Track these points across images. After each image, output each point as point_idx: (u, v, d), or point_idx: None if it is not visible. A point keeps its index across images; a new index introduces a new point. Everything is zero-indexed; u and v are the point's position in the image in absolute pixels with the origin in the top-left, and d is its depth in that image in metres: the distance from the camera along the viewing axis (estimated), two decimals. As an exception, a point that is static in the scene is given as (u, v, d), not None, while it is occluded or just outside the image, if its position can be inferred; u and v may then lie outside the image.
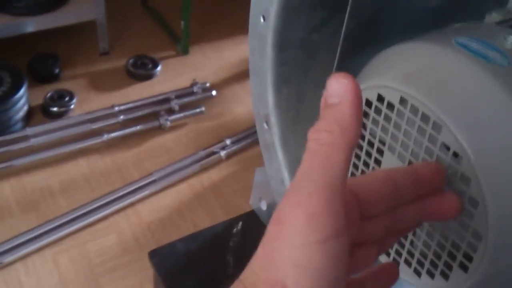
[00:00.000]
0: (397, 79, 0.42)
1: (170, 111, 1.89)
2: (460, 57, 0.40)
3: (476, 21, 0.52)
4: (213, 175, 1.72)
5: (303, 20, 0.60)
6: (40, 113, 1.82)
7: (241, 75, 2.12)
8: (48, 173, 1.65)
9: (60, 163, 1.68)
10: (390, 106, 0.43)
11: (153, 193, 1.62)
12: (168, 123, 1.84)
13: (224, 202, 1.62)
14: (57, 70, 1.96)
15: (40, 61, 1.94)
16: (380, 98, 0.44)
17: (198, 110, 1.89)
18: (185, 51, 2.18)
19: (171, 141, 1.82)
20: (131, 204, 1.58)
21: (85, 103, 1.90)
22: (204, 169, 1.72)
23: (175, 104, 1.89)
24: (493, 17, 0.51)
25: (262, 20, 0.60)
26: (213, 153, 1.75)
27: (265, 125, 0.65)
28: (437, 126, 0.39)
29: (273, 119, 0.64)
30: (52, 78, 1.95)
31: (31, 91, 1.81)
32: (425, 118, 0.40)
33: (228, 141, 1.79)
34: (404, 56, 0.45)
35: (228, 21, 2.38)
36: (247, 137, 1.82)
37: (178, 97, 1.92)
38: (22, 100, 1.71)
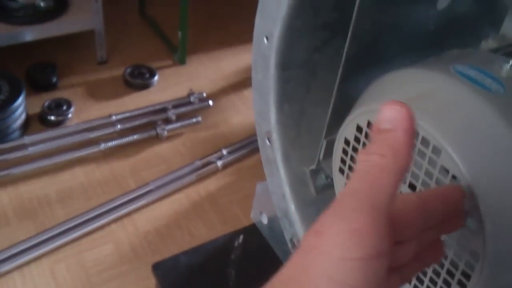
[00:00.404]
0: (397, 103, 0.44)
1: (167, 121, 1.90)
2: (458, 84, 0.42)
3: (473, 49, 0.54)
4: (210, 185, 1.73)
5: (306, 41, 0.62)
6: (37, 121, 1.83)
7: (238, 85, 2.14)
8: (45, 181, 1.66)
9: (57, 172, 1.69)
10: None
11: (150, 202, 1.63)
12: (165, 133, 1.85)
13: (220, 212, 1.64)
14: (55, 79, 1.97)
15: (38, 70, 1.95)
16: (382, 121, 0.45)
17: (194, 120, 1.91)
18: (182, 61, 2.20)
19: (168, 151, 1.84)
20: (128, 214, 1.59)
21: (83, 112, 1.91)
22: (200, 179, 1.73)
23: (172, 114, 1.90)
24: (489, 43, 0.54)
25: (265, 40, 0.62)
26: (210, 163, 1.77)
27: (267, 141, 0.67)
28: (436, 150, 0.41)
29: (275, 136, 0.66)
30: (50, 86, 1.96)
31: (29, 99, 1.82)
32: (425, 142, 0.42)
33: (224, 151, 1.80)
34: (405, 81, 0.46)
35: (224, 32, 2.40)
36: (243, 147, 1.83)
37: (175, 106, 1.94)
38: (20, 109, 1.72)
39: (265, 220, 0.68)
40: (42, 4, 1.90)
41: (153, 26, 2.37)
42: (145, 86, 2.06)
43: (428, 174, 0.42)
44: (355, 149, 0.48)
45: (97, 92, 2.01)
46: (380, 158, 0.28)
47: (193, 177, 1.71)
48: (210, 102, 1.99)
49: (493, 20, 0.70)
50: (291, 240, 0.65)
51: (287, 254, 0.70)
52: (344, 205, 0.27)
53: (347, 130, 0.48)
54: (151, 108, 1.92)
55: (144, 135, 1.84)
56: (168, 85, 2.09)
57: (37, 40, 1.91)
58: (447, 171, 0.40)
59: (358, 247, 0.25)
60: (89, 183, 1.68)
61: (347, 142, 0.49)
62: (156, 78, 2.09)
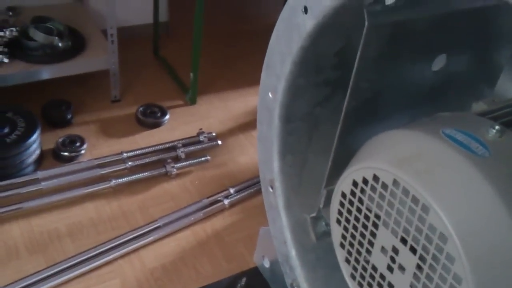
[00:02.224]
0: (391, 162, 0.48)
1: (177, 159, 1.95)
2: (446, 148, 0.46)
3: (463, 112, 0.58)
4: (217, 223, 1.76)
5: (308, 96, 0.67)
6: (51, 157, 1.89)
7: (246, 125, 2.20)
8: (57, 216, 1.69)
9: (69, 207, 1.73)
10: (385, 186, 0.48)
11: (157, 239, 1.66)
12: (174, 171, 1.89)
13: (226, 250, 1.66)
14: (69, 116, 2.03)
15: (54, 107, 2.02)
16: (376, 178, 0.49)
17: (203, 158, 1.95)
18: (193, 101, 2.26)
19: (177, 188, 1.88)
20: (136, 250, 1.62)
21: (95, 149, 1.96)
22: (207, 217, 1.76)
23: (181, 152, 1.95)
24: (480, 106, 0.58)
25: (270, 95, 0.66)
26: (217, 201, 1.80)
27: (270, 188, 0.71)
28: (425, 208, 0.45)
29: (277, 184, 0.69)
30: (64, 123, 2.02)
31: (44, 135, 1.88)
32: (415, 200, 0.45)
33: (231, 190, 1.84)
34: (398, 142, 0.50)
35: (234, 73, 2.47)
36: (250, 186, 1.87)
37: (184, 145, 1.99)
38: (35, 145, 1.77)
39: (267, 264, 0.71)
40: (60, 44, 1.97)
41: (166, 67, 2.45)
42: (156, 124, 2.12)
43: (418, 230, 0.45)
44: (351, 202, 0.52)
45: (110, 130, 2.07)
46: None
47: (200, 214, 1.75)
48: (219, 142, 2.04)
49: (488, 78, 0.75)
50: (292, 285, 0.68)
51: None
52: None
53: (344, 184, 0.52)
54: (161, 146, 1.97)
55: (154, 172, 1.88)
56: (178, 124, 2.15)
57: (54, 78, 1.98)
58: (435, 228, 0.44)
59: None
60: (99, 218, 1.72)
61: (343, 195, 0.53)
62: (167, 117, 2.15)
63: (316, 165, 0.70)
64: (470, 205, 0.43)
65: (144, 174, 1.87)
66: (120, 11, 2.30)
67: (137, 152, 1.94)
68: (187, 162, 1.94)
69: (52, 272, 1.50)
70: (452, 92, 0.70)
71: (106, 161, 1.87)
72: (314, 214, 0.69)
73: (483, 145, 0.46)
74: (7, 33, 1.93)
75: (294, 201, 0.69)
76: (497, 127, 0.48)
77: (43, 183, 1.73)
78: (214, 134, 2.07)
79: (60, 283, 1.49)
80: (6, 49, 1.91)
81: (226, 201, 1.80)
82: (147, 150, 1.95)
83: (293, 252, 0.69)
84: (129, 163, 1.88)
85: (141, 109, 2.14)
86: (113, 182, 1.80)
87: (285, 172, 0.69)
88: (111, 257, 1.58)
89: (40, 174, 1.75)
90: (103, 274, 1.55)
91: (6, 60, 1.89)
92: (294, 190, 0.69)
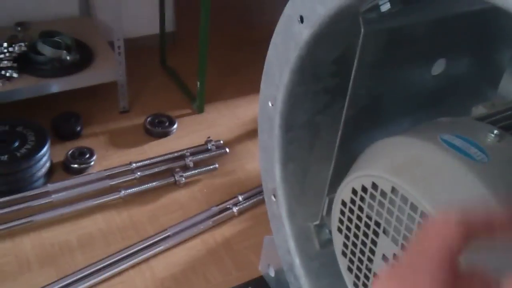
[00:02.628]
0: (389, 170, 0.48)
1: (185, 168, 1.95)
2: (444, 154, 0.45)
3: (462, 116, 0.58)
4: (226, 230, 1.76)
5: (308, 104, 0.67)
6: (61, 169, 1.90)
7: (254, 132, 2.19)
8: (67, 228, 1.71)
9: (79, 218, 1.74)
10: (383, 193, 0.48)
11: (167, 248, 1.66)
12: (183, 180, 1.90)
13: (235, 258, 1.66)
14: (78, 128, 2.05)
15: (63, 120, 2.04)
16: (375, 186, 0.49)
17: (212, 166, 1.96)
18: (200, 110, 2.27)
19: (186, 197, 1.88)
20: (146, 260, 1.63)
21: (104, 160, 1.97)
22: (217, 225, 1.77)
23: (189, 161, 1.96)
24: (479, 110, 0.57)
25: (270, 105, 0.66)
26: (226, 209, 1.80)
27: (272, 197, 0.71)
28: (424, 215, 0.44)
29: (280, 193, 0.70)
30: (74, 135, 2.04)
31: (54, 148, 1.90)
32: (413, 207, 0.45)
33: (240, 197, 1.84)
34: (396, 149, 0.50)
35: (240, 81, 2.48)
36: (259, 193, 1.87)
37: (192, 154, 2.00)
38: (45, 158, 1.79)
39: (272, 273, 0.71)
40: (68, 57, 2.00)
41: (173, 77, 2.46)
42: (164, 134, 2.13)
43: (409, 235, 0.45)
44: (351, 211, 0.52)
45: (118, 140, 2.08)
46: None
47: (209, 223, 1.75)
48: (227, 149, 2.05)
49: (490, 80, 0.74)
50: (296, 294, 0.68)
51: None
52: None
53: (343, 192, 0.52)
54: (170, 156, 1.98)
55: (163, 182, 1.89)
56: (186, 133, 2.16)
57: (62, 91, 2.00)
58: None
59: None
60: (108, 229, 1.73)
61: (343, 203, 0.53)
62: (175, 126, 2.16)
63: (319, 172, 0.70)
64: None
65: (153, 183, 1.88)
66: (127, 22, 2.32)
67: (146, 162, 1.95)
68: (196, 171, 1.95)
69: (63, 284, 1.51)
70: (455, 95, 0.70)
71: (115, 172, 1.88)
72: (317, 222, 0.69)
73: (482, 150, 0.45)
74: (16, 48, 1.96)
75: (297, 210, 0.69)
76: (495, 131, 0.47)
77: (53, 196, 1.74)
78: (222, 142, 2.08)
79: (72, 294, 1.50)
80: (15, 64, 1.93)
81: (235, 209, 1.80)
82: (155, 159, 1.96)
83: (297, 261, 0.69)
84: (138, 173, 1.89)
85: (149, 119, 2.15)
86: (123, 193, 1.81)
87: (287, 180, 0.69)
88: (121, 267, 1.59)
89: (50, 187, 1.77)
90: (114, 284, 1.56)
91: (15, 75, 1.91)
92: (297, 198, 0.69)
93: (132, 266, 1.61)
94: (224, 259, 1.67)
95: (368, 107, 0.62)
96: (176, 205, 1.85)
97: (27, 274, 1.55)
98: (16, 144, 1.75)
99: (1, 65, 1.90)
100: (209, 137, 2.07)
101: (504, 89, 0.71)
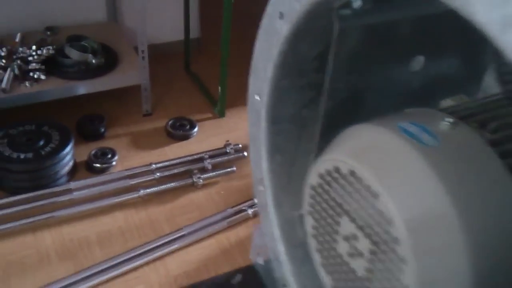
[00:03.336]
0: (349, 154, 0.51)
1: (204, 170, 2.00)
2: (396, 138, 0.48)
3: (427, 108, 0.60)
4: (240, 231, 1.79)
5: (294, 98, 0.70)
6: (84, 168, 1.97)
7: (273, 137, 2.23)
8: (87, 224, 1.77)
9: (99, 216, 1.80)
10: (344, 176, 0.51)
11: (182, 247, 1.70)
12: (201, 181, 1.94)
13: (248, 259, 1.69)
14: (102, 130, 2.12)
15: (88, 121, 2.12)
16: (337, 169, 0.52)
17: (229, 169, 2.00)
18: (221, 114, 2.32)
19: (203, 198, 1.92)
20: (161, 257, 1.67)
21: (126, 160, 2.04)
22: (231, 226, 1.80)
23: (208, 163, 2.00)
24: (447, 102, 0.60)
25: (257, 98, 0.70)
26: (241, 210, 1.84)
27: (260, 187, 0.74)
28: (376, 195, 0.47)
29: (267, 182, 0.73)
30: (97, 136, 2.11)
31: (78, 148, 1.97)
32: (367, 188, 0.48)
33: (256, 200, 1.87)
34: (359, 134, 0.53)
35: (263, 86, 2.52)
36: (274, 196, 1.90)
37: (211, 156, 2.04)
38: (68, 156, 1.86)
39: (261, 261, 0.74)
40: (94, 61, 2.07)
41: (197, 82, 2.52)
42: (185, 137, 2.18)
43: (371, 216, 0.48)
44: (318, 193, 0.55)
45: (140, 142, 2.15)
46: None
47: (224, 223, 1.78)
48: (245, 153, 2.08)
49: (473, 78, 0.76)
50: (281, 280, 0.71)
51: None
52: None
53: (311, 177, 0.55)
54: (189, 158, 2.03)
55: (181, 183, 1.94)
56: (206, 136, 2.21)
57: (87, 93, 2.08)
58: (384, 213, 0.46)
59: None
60: (127, 227, 1.78)
61: (312, 187, 0.56)
62: (196, 129, 2.21)
63: (305, 163, 0.73)
64: (415, 191, 0.45)
65: (172, 184, 1.93)
66: (153, 29, 2.41)
67: (166, 163, 2.00)
68: (214, 173, 1.99)
69: (81, 277, 1.57)
70: (439, 92, 0.72)
71: (135, 172, 1.94)
72: (302, 211, 0.72)
73: (433, 136, 0.48)
74: (44, 51, 2.05)
75: (283, 199, 0.72)
76: (450, 119, 0.50)
77: (75, 193, 1.81)
78: (240, 145, 2.12)
79: (88, 287, 1.55)
80: (43, 67, 2.02)
81: (250, 211, 1.83)
82: (175, 161, 2.01)
83: (282, 248, 0.71)
84: (158, 173, 1.94)
85: (170, 122, 2.21)
86: (142, 192, 1.87)
87: (274, 171, 0.72)
88: (137, 263, 1.63)
89: (72, 184, 1.83)
90: (129, 279, 1.60)
91: (43, 77, 2.00)
92: (284, 188, 0.72)
93: (147, 263, 1.65)
94: (237, 260, 1.69)
95: (347, 100, 0.64)
96: (193, 206, 1.89)
97: (46, 267, 1.61)
98: (41, 143, 1.83)
99: (30, 67, 1.99)
100: (228, 141, 2.11)
101: (487, 86, 0.73)
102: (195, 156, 2.04)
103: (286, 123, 0.72)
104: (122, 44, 2.30)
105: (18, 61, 2.00)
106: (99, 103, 2.27)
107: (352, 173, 0.49)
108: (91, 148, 2.03)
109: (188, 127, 2.22)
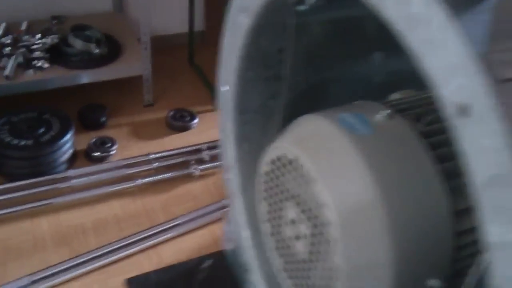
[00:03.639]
0: (294, 142, 0.53)
1: (201, 161, 2.02)
2: (332, 128, 0.50)
3: (372, 101, 0.62)
4: (234, 223, 1.82)
5: (260, 89, 0.72)
6: (83, 157, 2.01)
7: (273, 130, 2.24)
8: (84, 212, 1.80)
9: (95, 204, 1.84)
10: (288, 163, 0.53)
11: (175, 236, 1.73)
12: (198, 172, 1.97)
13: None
14: (104, 119, 2.15)
15: (90, 110, 2.15)
16: (284, 156, 0.54)
17: (227, 161, 2.02)
18: (222, 106, 2.34)
19: (199, 189, 1.95)
20: (155, 245, 1.70)
21: (125, 150, 2.07)
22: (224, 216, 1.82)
23: (206, 155, 2.03)
24: (395, 96, 0.61)
25: (226, 88, 0.72)
26: (236, 202, 1.86)
27: (229, 175, 0.76)
28: (312, 181, 0.49)
29: (234, 170, 0.75)
30: (98, 126, 2.14)
31: (78, 136, 2.01)
32: (306, 174, 0.50)
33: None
34: (304, 124, 0.55)
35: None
36: (270, 189, 1.91)
37: (209, 148, 2.06)
38: (68, 144, 1.90)
39: (230, 247, 0.76)
40: (97, 50, 2.10)
41: (200, 74, 2.54)
42: (184, 128, 2.21)
43: (309, 200, 0.50)
44: (269, 179, 0.57)
45: (140, 132, 2.18)
46: None
47: (218, 214, 1.81)
48: (243, 145, 2.10)
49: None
50: (244, 264, 0.73)
51: (245, 282, 0.78)
52: None
53: (264, 164, 0.57)
54: (187, 149, 2.05)
55: (178, 173, 1.97)
56: (206, 128, 2.23)
57: (90, 83, 2.11)
58: (318, 197, 0.48)
59: None
60: (123, 215, 1.81)
61: (266, 173, 0.58)
62: (196, 121, 2.24)
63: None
64: (345, 177, 0.47)
65: (169, 174, 1.95)
66: (158, 20, 2.43)
67: (164, 153, 2.03)
68: (211, 164, 2.01)
69: (75, 263, 1.60)
70: (399, 85, 0.73)
71: (133, 161, 1.97)
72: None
73: (368, 125, 0.50)
74: (49, 40, 2.08)
75: (249, 187, 0.74)
76: (387, 111, 0.51)
77: (73, 181, 1.84)
78: (239, 138, 2.14)
79: (82, 273, 1.59)
80: (47, 55, 2.05)
81: (244, 202, 1.85)
82: (173, 152, 2.04)
83: (247, 234, 0.74)
84: (155, 163, 1.97)
85: (171, 113, 2.24)
86: (139, 182, 1.90)
87: (242, 159, 0.74)
88: (131, 251, 1.67)
89: (71, 172, 1.87)
90: (123, 266, 1.63)
91: (46, 65, 2.03)
92: (251, 176, 0.74)
93: (142, 251, 1.69)
94: (229, 250, 1.72)
95: (308, 92, 0.66)
96: (189, 196, 1.92)
97: (41, 253, 1.64)
98: (42, 130, 1.87)
99: (34, 56, 2.03)
100: (226, 133, 2.13)
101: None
102: (193, 147, 2.07)
103: (252, 113, 0.74)
104: (126, 35, 2.33)
105: (23, 49, 2.04)
106: (102, 92, 2.30)
107: (295, 160, 0.51)
108: (92, 137, 2.06)
109: (188, 118, 2.25)
